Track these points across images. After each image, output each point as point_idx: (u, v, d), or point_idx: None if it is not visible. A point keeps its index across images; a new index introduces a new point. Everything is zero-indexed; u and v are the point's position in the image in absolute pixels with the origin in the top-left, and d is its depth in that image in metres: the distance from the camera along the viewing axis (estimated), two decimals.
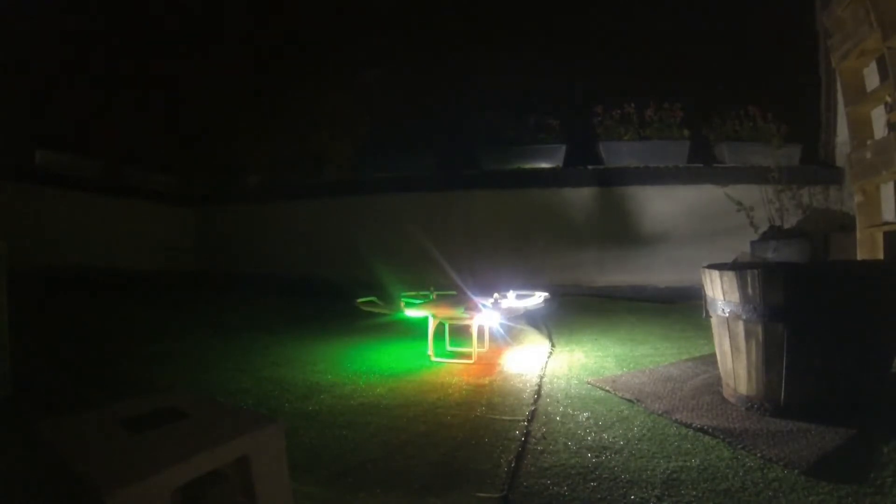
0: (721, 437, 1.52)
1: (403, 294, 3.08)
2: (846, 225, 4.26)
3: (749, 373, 1.73)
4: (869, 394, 1.66)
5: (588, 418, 1.75)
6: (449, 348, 2.72)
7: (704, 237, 4.63)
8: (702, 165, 4.97)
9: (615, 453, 1.46)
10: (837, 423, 1.53)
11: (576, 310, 4.23)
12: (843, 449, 1.40)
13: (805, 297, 1.62)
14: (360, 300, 2.88)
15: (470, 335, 2.56)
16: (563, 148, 5.37)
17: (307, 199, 5.95)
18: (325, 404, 1.95)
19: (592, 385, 2.12)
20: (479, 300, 2.62)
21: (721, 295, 1.81)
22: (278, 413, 1.87)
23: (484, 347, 2.73)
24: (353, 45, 6.17)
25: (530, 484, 1.31)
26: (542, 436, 1.61)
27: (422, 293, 3.17)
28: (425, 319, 2.69)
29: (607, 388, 2.06)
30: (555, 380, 2.23)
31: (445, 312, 2.63)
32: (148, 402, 1.07)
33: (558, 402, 1.94)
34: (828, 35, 3.64)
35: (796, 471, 1.29)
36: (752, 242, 4.26)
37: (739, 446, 1.45)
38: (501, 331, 2.91)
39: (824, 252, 4.08)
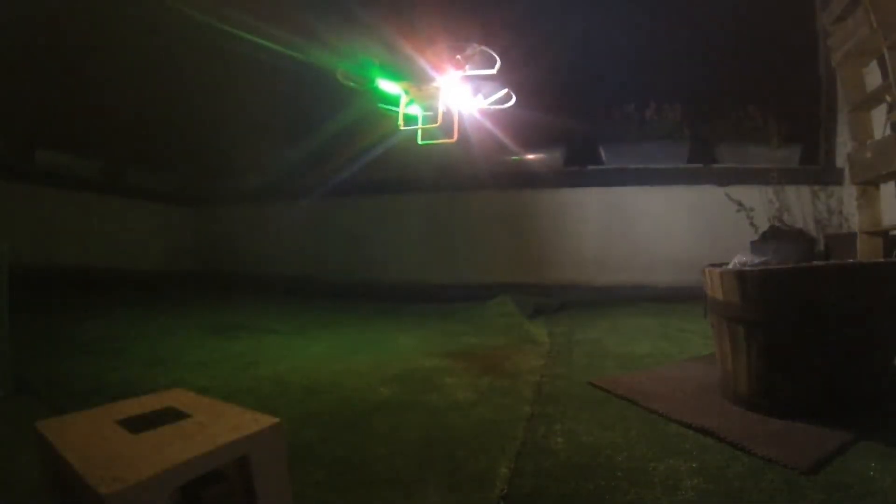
0: (721, 437, 1.52)
1: (379, 69, 2.90)
2: (846, 225, 4.26)
3: (749, 373, 1.73)
4: (869, 394, 1.66)
5: (588, 418, 1.74)
6: (421, 131, 2.72)
7: (704, 237, 4.63)
8: (702, 165, 4.97)
9: (615, 453, 1.46)
10: (837, 423, 1.53)
11: (576, 310, 4.23)
12: (843, 449, 1.40)
13: (805, 298, 1.62)
14: (339, 75, 2.81)
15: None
16: (564, 149, 5.38)
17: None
18: (325, 404, 1.95)
19: (592, 385, 2.12)
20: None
21: (721, 295, 1.81)
22: (278, 413, 1.86)
23: (453, 137, 2.70)
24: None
25: (530, 484, 1.31)
26: (542, 436, 1.61)
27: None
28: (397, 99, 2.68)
29: (607, 388, 2.06)
30: (555, 380, 2.23)
31: (417, 88, 2.61)
32: (148, 402, 1.07)
33: (558, 402, 1.94)
34: (828, 35, 3.63)
35: (796, 471, 1.29)
36: (752, 242, 4.26)
37: (739, 446, 1.45)
38: (472, 116, 2.89)
39: (824, 252, 4.08)
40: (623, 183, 5.02)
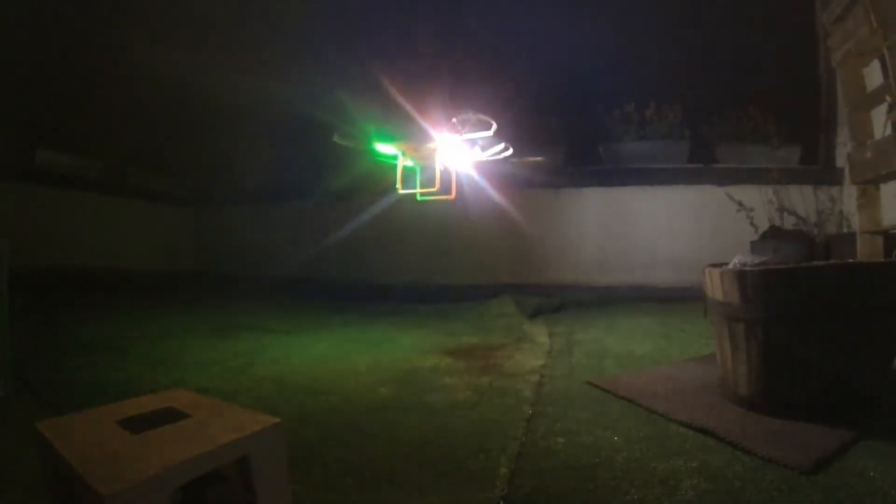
0: (721, 437, 1.52)
1: (375, 131, 3.03)
2: (846, 225, 4.26)
3: (749, 373, 1.73)
4: (869, 394, 1.66)
5: (588, 418, 1.74)
6: (419, 191, 2.79)
7: (704, 237, 4.63)
8: (702, 165, 4.97)
9: (615, 453, 1.46)
10: (837, 423, 1.53)
11: (576, 310, 4.23)
12: (843, 449, 1.40)
13: (805, 298, 1.62)
14: (336, 136, 2.89)
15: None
16: (564, 149, 5.38)
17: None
18: (325, 404, 1.95)
19: (592, 385, 2.12)
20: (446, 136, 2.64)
21: (721, 295, 1.80)
22: (278, 413, 1.86)
23: (451, 194, 2.79)
24: None
25: (530, 484, 1.31)
26: (542, 436, 1.61)
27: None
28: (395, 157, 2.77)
29: (607, 388, 2.06)
30: (555, 380, 2.23)
31: (414, 149, 2.67)
32: (148, 402, 1.07)
33: (558, 402, 1.94)
34: (828, 35, 3.63)
35: (796, 471, 1.29)
36: (752, 242, 4.26)
37: (739, 446, 1.45)
38: (470, 175, 2.99)
39: (824, 252, 4.08)
40: (623, 183, 5.02)
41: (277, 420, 0.97)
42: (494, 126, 2.74)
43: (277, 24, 5.61)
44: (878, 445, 1.41)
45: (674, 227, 4.85)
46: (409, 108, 2.92)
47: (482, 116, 2.76)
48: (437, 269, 5.40)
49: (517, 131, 5.33)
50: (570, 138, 5.39)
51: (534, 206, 5.19)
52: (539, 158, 2.92)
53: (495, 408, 1.87)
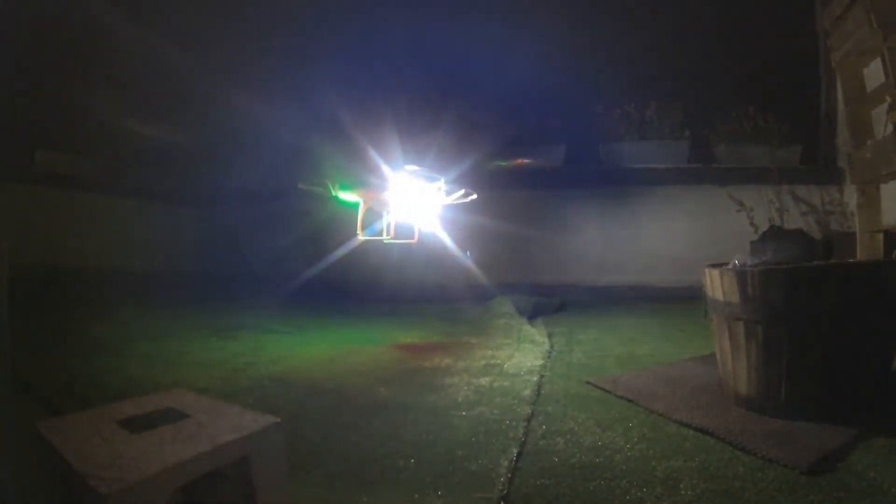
0: (721, 437, 1.52)
1: (339, 181, 3.17)
2: (846, 225, 4.26)
3: (749, 373, 1.73)
4: (869, 394, 1.66)
5: (588, 418, 1.75)
6: (384, 237, 2.94)
7: (704, 237, 4.62)
8: (702, 165, 4.97)
9: (615, 453, 1.46)
10: (837, 423, 1.53)
11: (576, 310, 4.23)
12: (843, 449, 1.40)
13: (805, 298, 1.62)
14: (300, 184, 3.04)
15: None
16: (563, 149, 5.38)
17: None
18: (325, 404, 1.95)
19: (592, 385, 2.12)
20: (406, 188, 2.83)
21: (721, 295, 1.80)
22: (278, 413, 1.86)
23: (413, 239, 2.99)
24: None
25: (530, 484, 1.31)
26: (542, 436, 1.61)
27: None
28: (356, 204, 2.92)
29: (607, 388, 2.06)
30: (555, 380, 2.23)
31: (372, 197, 2.82)
32: (148, 402, 1.07)
33: (558, 402, 1.94)
34: (828, 35, 3.63)
35: (796, 471, 1.29)
36: (752, 242, 4.26)
37: (739, 446, 1.45)
38: (430, 221, 3.13)
39: (824, 252, 4.08)
40: (623, 183, 5.02)
41: (277, 420, 0.97)
42: (441, 181, 2.96)
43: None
44: (878, 445, 1.41)
45: (674, 227, 4.85)
46: (367, 156, 3.18)
47: (430, 173, 2.99)
48: (436, 270, 5.39)
49: (517, 131, 5.38)
50: (569, 138, 5.38)
51: (533, 206, 5.19)
52: (472, 196, 3.07)
53: (495, 408, 1.87)
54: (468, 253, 3.36)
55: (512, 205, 5.28)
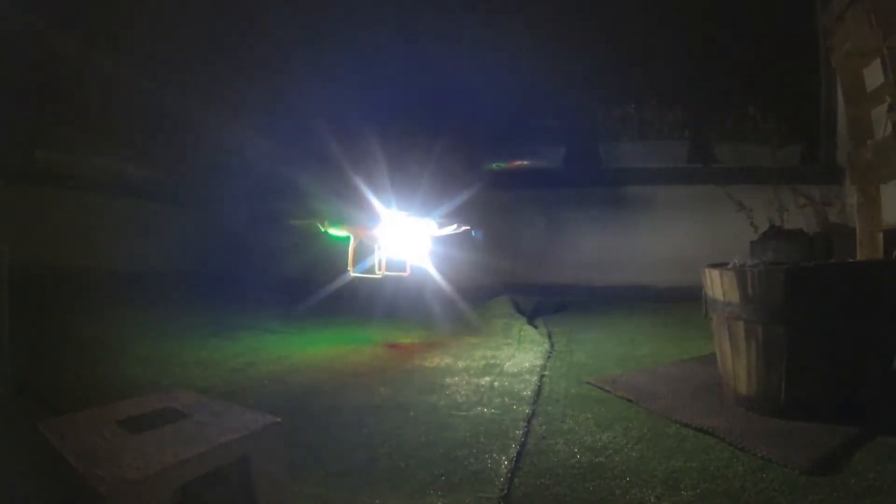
0: (721, 437, 1.52)
1: (329, 217, 3.25)
2: (846, 225, 4.26)
3: (749, 373, 1.73)
4: (869, 394, 1.66)
5: (588, 418, 1.75)
6: (377, 272, 3.01)
7: (704, 237, 4.62)
8: (702, 165, 4.97)
9: (615, 453, 1.46)
10: (837, 423, 1.53)
11: (576, 310, 4.23)
12: (843, 449, 1.40)
13: (805, 298, 1.62)
14: (291, 220, 3.12)
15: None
16: (563, 149, 5.38)
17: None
18: (325, 404, 1.95)
19: (592, 385, 2.12)
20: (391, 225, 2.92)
21: (721, 295, 1.80)
22: (278, 413, 1.86)
23: (406, 272, 3.08)
24: None
25: (530, 484, 1.31)
26: (542, 436, 1.61)
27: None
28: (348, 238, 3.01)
29: (607, 388, 2.06)
30: (555, 380, 2.23)
31: (363, 232, 2.90)
32: (148, 402, 1.07)
33: (558, 402, 1.94)
34: (828, 35, 3.63)
35: (796, 471, 1.29)
36: (752, 243, 4.25)
37: (739, 446, 1.45)
38: (421, 256, 3.20)
39: (824, 252, 4.08)
40: (623, 183, 5.02)
41: (277, 420, 0.97)
42: (433, 220, 3.04)
43: None
44: (878, 445, 1.41)
45: (673, 227, 4.85)
46: (358, 193, 3.22)
47: (421, 212, 3.10)
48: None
49: (517, 132, 5.38)
50: (569, 138, 5.39)
51: (533, 206, 5.19)
52: (465, 228, 3.13)
53: (495, 408, 1.87)
54: (474, 233, 3.40)
55: (511, 205, 5.28)
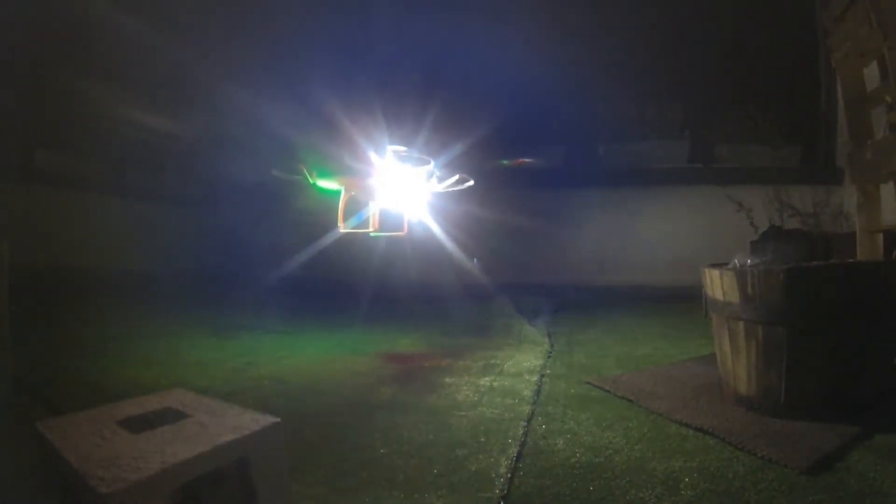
0: (721, 437, 1.52)
1: (318, 167, 2.86)
2: (846, 225, 4.26)
3: (749, 373, 1.73)
4: (869, 394, 1.66)
5: (588, 418, 1.74)
6: (371, 230, 2.70)
7: (704, 237, 4.62)
8: (702, 165, 4.97)
9: (615, 453, 1.46)
10: (837, 423, 1.53)
11: (576, 310, 4.23)
12: (843, 449, 1.40)
13: (805, 298, 1.62)
14: (274, 171, 2.82)
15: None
16: (563, 149, 5.39)
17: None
18: (325, 404, 1.95)
19: (592, 385, 2.12)
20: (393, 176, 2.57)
21: (721, 295, 1.80)
22: (278, 413, 1.86)
23: (402, 230, 2.74)
24: None
25: (530, 484, 1.31)
26: (542, 436, 1.61)
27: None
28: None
29: (607, 388, 2.06)
30: (555, 380, 2.23)
31: (356, 184, 2.58)
32: (148, 402, 1.07)
33: (558, 401, 1.94)
34: (828, 35, 3.63)
35: (796, 471, 1.29)
36: (752, 243, 4.25)
37: (739, 446, 1.45)
38: (420, 211, 2.85)
39: (824, 252, 4.08)
40: (623, 183, 5.02)
41: (277, 420, 0.97)
42: (431, 163, 2.67)
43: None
44: (878, 445, 1.41)
45: (673, 227, 4.85)
46: (349, 139, 2.86)
47: (419, 155, 2.71)
48: (437, 271, 5.39)
49: (517, 131, 5.37)
50: (570, 138, 5.39)
51: (534, 206, 5.19)
52: (469, 182, 2.82)
53: (495, 408, 1.87)
54: (475, 260, 3.16)
55: (511, 205, 5.27)
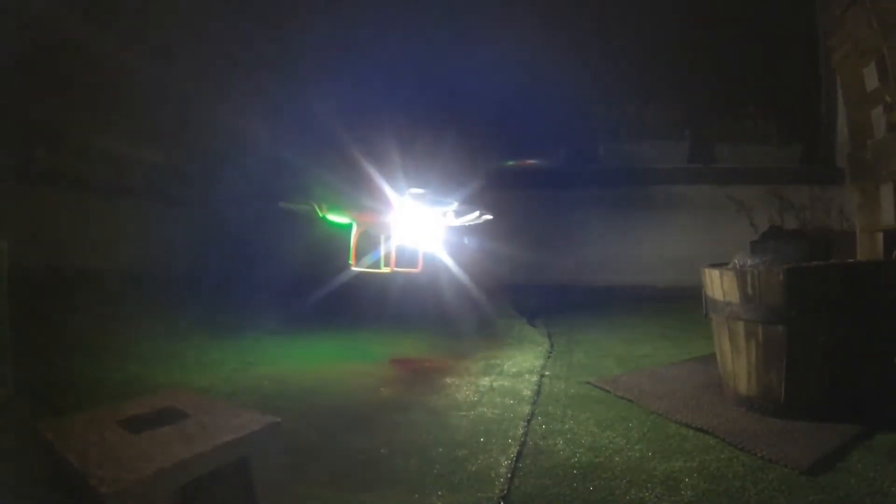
0: (721, 437, 1.52)
1: (328, 200, 2.73)
2: (845, 225, 4.26)
3: (749, 373, 1.73)
4: (869, 393, 1.66)
5: (588, 418, 1.74)
6: (385, 269, 2.59)
7: (704, 237, 4.63)
8: (702, 165, 4.97)
9: (615, 453, 1.46)
10: (837, 423, 1.53)
11: (576, 310, 4.23)
12: (843, 449, 1.40)
13: (805, 298, 1.62)
14: (282, 203, 2.67)
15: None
16: (563, 150, 5.39)
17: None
18: (325, 404, 1.95)
19: (592, 385, 2.12)
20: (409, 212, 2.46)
21: (721, 295, 1.80)
22: (278, 413, 1.86)
23: (417, 267, 2.63)
24: None
25: (530, 484, 1.31)
26: (542, 436, 1.61)
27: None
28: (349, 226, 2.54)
29: (607, 388, 2.06)
30: (555, 380, 2.23)
31: (368, 219, 2.48)
32: (148, 402, 1.07)
33: (558, 402, 1.93)
34: (828, 35, 3.63)
35: (796, 471, 1.29)
36: (752, 242, 4.25)
37: (739, 446, 1.45)
38: (435, 248, 2.74)
39: (824, 252, 4.08)
40: (623, 183, 5.02)
41: (277, 420, 0.97)
42: (454, 204, 2.58)
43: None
44: (878, 445, 1.41)
45: (673, 227, 4.85)
46: (364, 174, 2.76)
47: (438, 197, 2.61)
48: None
49: (518, 133, 5.37)
50: (569, 138, 5.39)
51: (534, 206, 5.19)
52: (486, 217, 2.68)
53: (495, 408, 1.87)
54: (466, 241, 3.06)
55: (511, 205, 5.27)
